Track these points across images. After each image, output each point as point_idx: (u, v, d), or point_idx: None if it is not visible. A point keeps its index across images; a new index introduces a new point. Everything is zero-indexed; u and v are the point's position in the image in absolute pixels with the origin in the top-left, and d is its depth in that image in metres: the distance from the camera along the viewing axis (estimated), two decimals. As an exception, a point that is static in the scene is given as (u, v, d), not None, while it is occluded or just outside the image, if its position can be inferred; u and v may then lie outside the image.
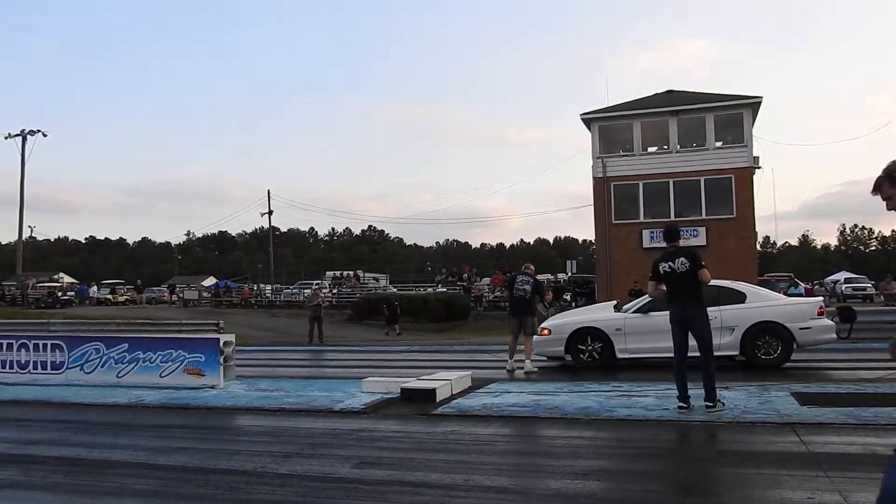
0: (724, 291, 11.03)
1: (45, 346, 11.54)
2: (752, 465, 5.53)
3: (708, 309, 10.78)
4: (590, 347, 12.07)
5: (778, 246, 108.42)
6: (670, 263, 7.68)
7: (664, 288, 7.86)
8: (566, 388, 9.43)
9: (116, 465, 6.09)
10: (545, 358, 12.82)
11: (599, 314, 12.25)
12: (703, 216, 29.18)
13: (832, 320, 11.85)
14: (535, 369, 11.58)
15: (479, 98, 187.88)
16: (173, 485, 5.33)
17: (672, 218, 29.65)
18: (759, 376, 10.27)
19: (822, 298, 13.11)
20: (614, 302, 13.88)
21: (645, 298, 12.74)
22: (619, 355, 11.84)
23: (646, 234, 29.78)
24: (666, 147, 30.87)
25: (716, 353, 11.25)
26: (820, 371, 11.41)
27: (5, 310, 39.69)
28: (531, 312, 11.96)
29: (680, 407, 7.48)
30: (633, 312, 12.09)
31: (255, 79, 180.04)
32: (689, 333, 7.72)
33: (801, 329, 11.15)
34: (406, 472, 5.44)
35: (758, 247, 36.91)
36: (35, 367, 11.50)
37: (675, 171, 29.94)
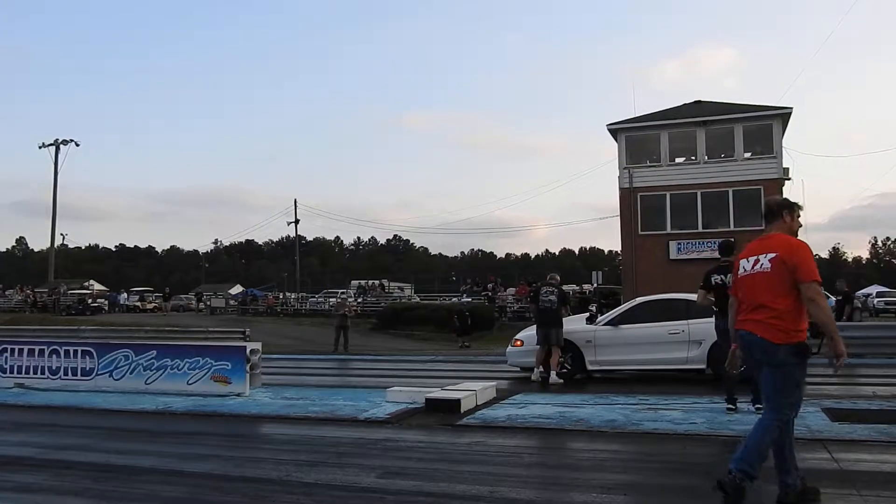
0: (694, 305, 11.00)
1: (75, 352, 11.71)
2: (782, 481, 5.43)
3: (676, 323, 11.04)
4: (561, 359, 11.99)
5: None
6: (723, 277, 8.25)
7: (712, 298, 8.40)
8: (592, 399, 9.37)
9: (145, 471, 6.15)
10: (518, 369, 12.83)
11: (571, 325, 12.22)
12: (732, 228, 28.84)
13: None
14: (561, 381, 11.50)
15: (504, 108, 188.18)
16: (200, 492, 5.38)
17: (700, 229, 29.43)
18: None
19: None
20: (587, 314, 13.85)
21: (616, 311, 12.79)
22: (590, 367, 11.88)
23: (672, 245, 29.56)
24: (694, 158, 30.65)
25: (685, 367, 11.37)
26: (852, 387, 11.20)
27: (37, 316, 40.39)
28: (557, 323, 11.87)
29: (728, 409, 8.04)
30: (604, 325, 12.11)
31: (282, 88, 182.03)
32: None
33: None
34: (431, 483, 5.44)
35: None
36: (66, 374, 11.67)
37: (702, 182, 29.70)
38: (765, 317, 4.48)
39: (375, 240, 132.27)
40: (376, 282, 52.81)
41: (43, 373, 11.81)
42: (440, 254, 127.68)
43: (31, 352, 11.99)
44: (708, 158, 30.20)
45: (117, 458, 6.70)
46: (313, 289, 54.36)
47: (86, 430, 8.32)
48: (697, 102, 32.84)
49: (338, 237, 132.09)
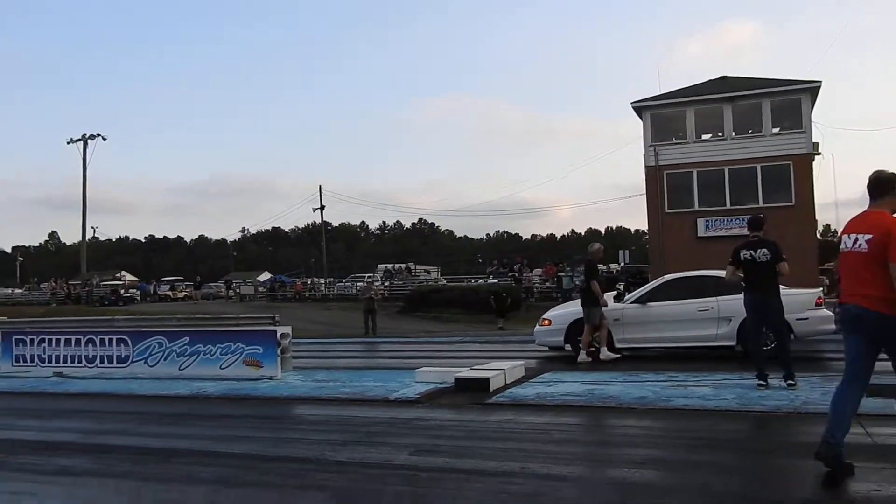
0: (723, 282, 10.87)
1: (110, 340, 11.95)
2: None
3: (705, 300, 10.85)
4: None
5: (839, 235, 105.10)
6: (752, 252, 8.17)
7: (741, 274, 8.32)
8: (621, 377, 9.36)
9: (182, 453, 6.30)
10: (546, 348, 12.79)
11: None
12: (760, 204, 28.37)
13: (834, 311, 11.60)
14: (589, 359, 11.44)
15: (528, 88, 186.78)
16: (237, 472, 5.49)
17: (728, 206, 29.07)
18: (821, 367, 10.06)
19: (821, 289, 12.92)
20: (615, 292, 13.73)
21: (644, 288, 12.69)
22: (618, 345, 11.76)
23: (700, 222, 29.22)
24: (721, 134, 30.19)
25: (713, 344, 11.26)
26: (886, 362, 11.04)
27: (72, 308, 41.18)
28: (588, 302, 11.64)
29: (759, 385, 7.98)
30: (632, 303, 12.01)
31: (305, 74, 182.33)
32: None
33: (798, 320, 10.85)
34: (462, 460, 5.50)
35: (818, 236, 35.80)
36: (102, 361, 11.92)
37: (730, 158, 29.24)
38: (872, 292, 4.53)
39: (401, 224, 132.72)
40: (403, 265, 52.94)
41: (80, 361, 12.08)
42: (465, 236, 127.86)
43: (68, 342, 12.27)
44: (735, 134, 29.72)
45: (155, 441, 6.85)
46: (340, 274, 54.74)
47: (123, 415, 8.50)
48: (723, 78, 32.28)
49: (363, 222, 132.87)
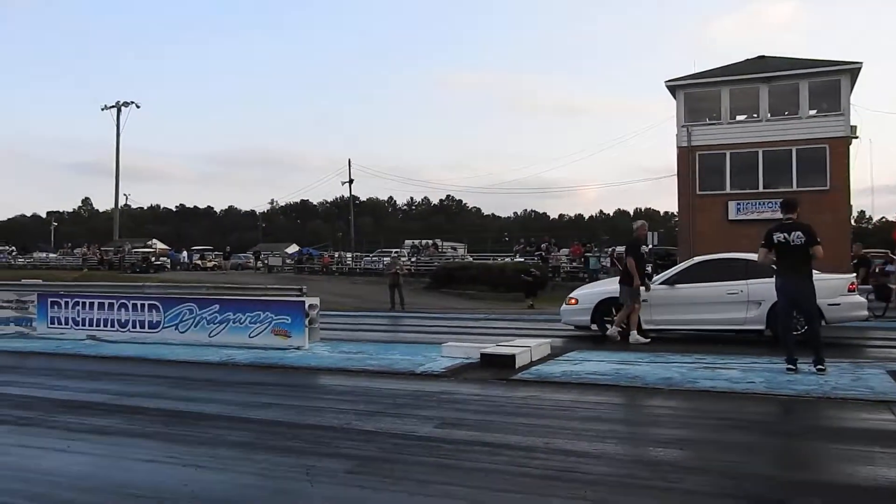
0: (753, 265, 10.72)
1: (143, 306, 12.17)
2: (842, 440, 5.39)
3: (735, 282, 10.68)
4: (616, 318, 11.89)
5: (874, 221, 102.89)
6: (785, 235, 8.03)
7: (773, 257, 8.20)
8: (647, 358, 9.33)
9: (210, 417, 6.42)
10: (572, 327, 12.75)
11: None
12: (794, 188, 27.87)
13: (867, 297, 11.39)
14: (617, 337, 11.40)
15: (558, 65, 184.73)
16: (265, 437, 5.59)
17: (760, 189, 28.63)
18: (852, 353, 9.94)
19: (854, 275, 12.67)
20: None
21: (673, 270, 12.55)
22: (645, 326, 11.62)
23: (732, 205, 28.84)
24: (756, 115, 29.64)
25: (742, 328, 11.13)
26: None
27: (104, 273, 41.96)
28: (623, 281, 11.49)
29: (788, 369, 7.95)
30: (660, 284, 11.87)
31: (335, 48, 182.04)
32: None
33: (829, 305, 10.66)
34: (486, 434, 5.54)
35: (852, 221, 35.11)
36: (134, 326, 12.15)
37: (765, 140, 28.74)
38: None
39: (428, 200, 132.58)
40: (429, 241, 52.98)
41: (113, 325, 12.33)
42: (493, 214, 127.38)
43: (101, 305, 12.52)
44: (771, 116, 29.16)
45: (185, 404, 6.99)
46: (367, 248, 54.93)
47: (154, 378, 8.68)
48: (761, 58, 31.61)
49: (391, 197, 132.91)
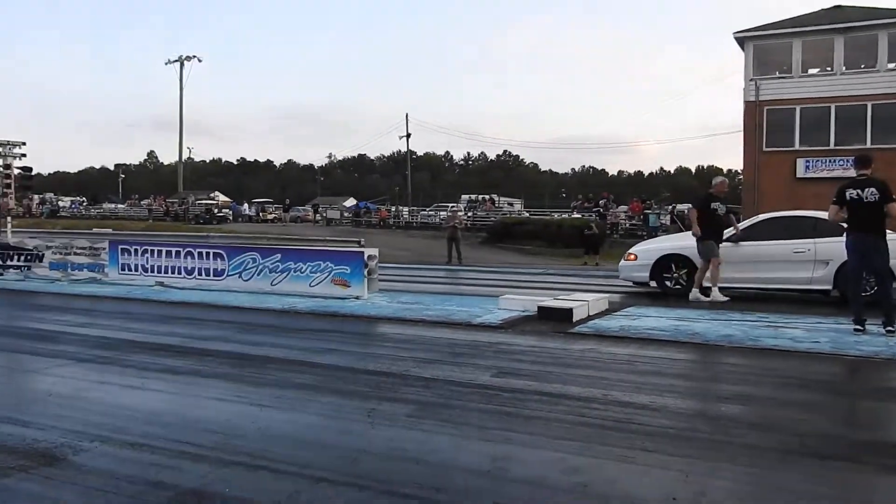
0: (822, 223, 10.32)
1: (208, 254, 12.54)
2: (912, 401, 5.25)
3: (802, 241, 10.24)
4: (675, 274, 11.73)
5: None
6: (858, 191, 7.73)
7: (844, 215, 7.91)
8: (708, 315, 9.20)
9: (275, 360, 6.63)
10: (631, 283, 12.59)
11: (687, 241, 11.74)
12: (868, 145, 26.68)
13: None
14: (701, 297, 10.87)
15: (621, 17, 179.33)
16: (327, 381, 5.76)
17: (831, 146, 27.53)
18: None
19: None
20: None
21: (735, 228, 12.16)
22: (706, 284, 11.38)
23: (800, 163, 27.84)
24: (829, 69, 28.33)
25: (808, 287, 10.75)
26: None
27: (170, 224, 43.23)
28: (703, 235, 10.95)
29: (855, 330, 7.74)
30: (723, 242, 11.52)
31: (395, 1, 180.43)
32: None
33: None
34: (544, 384, 5.59)
35: (929, 180, 33.59)
36: (200, 274, 12.54)
37: (838, 94, 27.48)
38: None
39: (485, 155, 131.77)
40: (486, 196, 52.84)
41: (180, 273, 12.75)
42: (550, 170, 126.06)
43: (168, 253, 12.95)
44: (846, 69, 27.85)
45: (251, 348, 7.23)
46: (424, 203, 55.14)
47: (221, 323, 8.98)
48: (837, 7, 30.07)
49: (448, 152, 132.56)
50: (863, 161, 8.04)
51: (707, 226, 11.02)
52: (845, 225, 8.16)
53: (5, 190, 15.37)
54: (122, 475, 3.56)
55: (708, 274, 11.01)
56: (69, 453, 3.90)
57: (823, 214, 10.74)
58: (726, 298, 10.74)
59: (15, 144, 15.18)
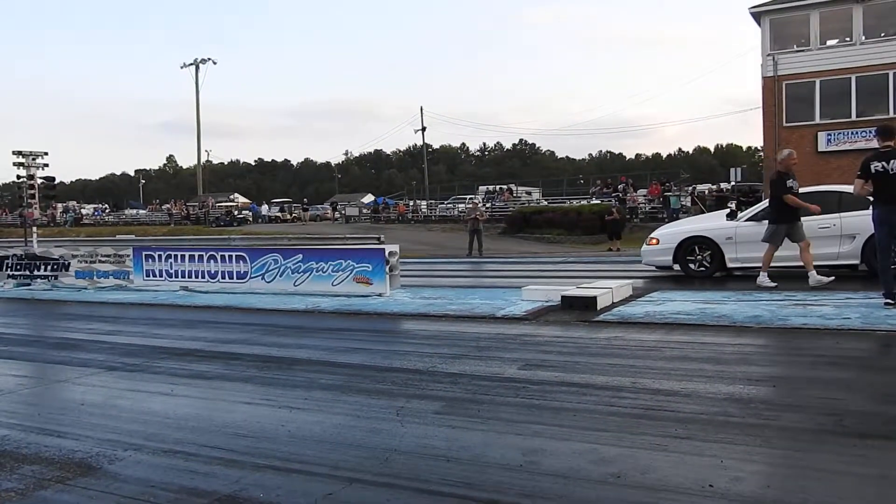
0: (847, 197, 10.14)
1: (230, 257, 12.62)
2: (948, 376, 5.15)
3: (827, 216, 9.98)
4: (699, 257, 11.67)
5: None
6: (884, 164, 7.60)
7: (870, 188, 7.75)
8: (734, 296, 9.10)
9: (302, 361, 6.66)
10: (653, 268, 12.47)
11: (710, 223, 11.68)
12: (891, 115, 26.23)
13: None
14: (769, 284, 10.03)
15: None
16: (354, 380, 5.76)
17: (853, 118, 27.08)
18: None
19: None
20: (727, 210, 13.11)
21: (759, 206, 11.98)
22: (730, 265, 11.35)
23: (821, 136, 27.39)
24: (848, 39, 27.83)
25: (835, 263, 10.56)
26: None
27: (190, 227, 43.63)
28: (774, 218, 10.28)
29: (886, 304, 7.65)
30: (747, 221, 11.44)
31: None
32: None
33: None
34: (572, 374, 5.56)
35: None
36: (223, 277, 12.63)
37: (858, 65, 26.96)
38: None
39: (501, 145, 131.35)
40: (504, 186, 52.65)
41: (203, 277, 12.85)
42: (567, 157, 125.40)
43: (192, 258, 13.06)
44: (865, 38, 27.34)
45: (276, 350, 7.26)
46: (442, 195, 55.10)
47: (246, 326, 9.04)
48: (854, -24, 29.53)
49: (463, 144, 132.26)
50: (886, 132, 7.89)
51: (780, 209, 10.17)
52: (871, 198, 8.01)
53: (29, 200, 15.53)
54: (158, 483, 3.59)
55: (766, 256, 10.25)
56: (105, 462, 3.94)
57: (847, 188, 10.52)
58: (774, 284, 9.99)
59: (37, 155, 15.33)
